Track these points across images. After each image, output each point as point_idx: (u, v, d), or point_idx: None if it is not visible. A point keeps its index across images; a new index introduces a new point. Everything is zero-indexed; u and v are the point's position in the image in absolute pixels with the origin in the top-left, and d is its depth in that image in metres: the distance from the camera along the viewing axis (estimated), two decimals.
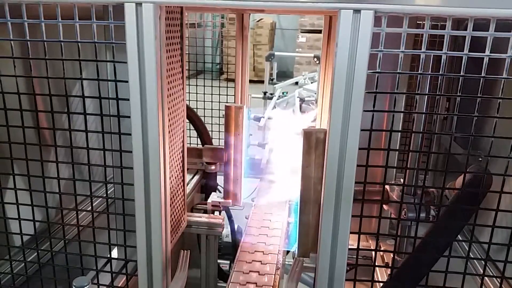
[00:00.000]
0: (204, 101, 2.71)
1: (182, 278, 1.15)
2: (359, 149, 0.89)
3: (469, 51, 0.83)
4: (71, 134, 1.09)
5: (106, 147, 1.07)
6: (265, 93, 5.56)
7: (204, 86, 2.70)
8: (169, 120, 1.11)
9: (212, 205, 1.72)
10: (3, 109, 1.04)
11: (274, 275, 1.30)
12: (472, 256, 1.37)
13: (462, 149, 1.76)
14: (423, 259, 1.04)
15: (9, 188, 1.14)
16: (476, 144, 1.49)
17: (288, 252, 1.64)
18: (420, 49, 0.85)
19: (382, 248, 1.53)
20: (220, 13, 2.74)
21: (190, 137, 2.25)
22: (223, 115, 1.63)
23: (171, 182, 1.16)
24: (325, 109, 2.08)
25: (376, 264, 1.10)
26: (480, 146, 1.49)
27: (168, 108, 1.09)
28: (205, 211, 1.76)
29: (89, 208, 1.13)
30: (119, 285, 1.24)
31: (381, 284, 1.18)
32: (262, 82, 6.16)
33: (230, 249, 1.94)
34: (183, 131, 1.30)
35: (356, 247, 1.01)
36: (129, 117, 0.97)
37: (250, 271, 1.31)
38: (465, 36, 0.83)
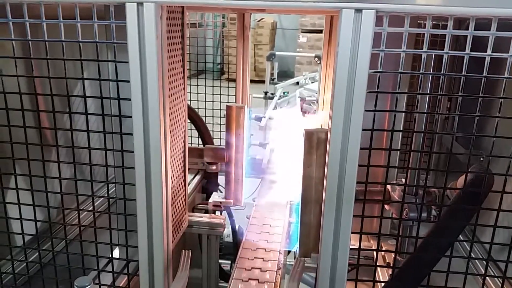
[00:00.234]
0: (205, 101, 2.72)
1: (184, 278, 1.15)
2: (361, 149, 0.89)
3: (470, 51, 0.83)
4: (73, 134, 1.10)
5: (107, 147, 1.07)
6: (266, 93, 5.57)
7: (205, 86, 2.70)
8: (170, 120, 1.11)
9: (213, 205, 1.72)
10: (5, 109, 1.04)
11: (276, 274, 1.30)
12: (473, 256, 1.37)
13: (464, 149, 1.76)
14: (425, 259, 1.04)
15: (10, 188, 1.14)
16: (477, 144, 1.49)
17: (289, 252, 1.64)
18: (422, 49, 0.85)
19: (383, 248, 1.53)
20: (221, 12, 2.74)
21: (191, 137, 2.25)
22: (224, 115, 1.63)
23: (172, 182, 1.16)
24: (326, 109, 2.08)
25: (378, 264, 1.10)
26: (482, 146, 1.48)
27: (170, 108, 1.09)
28: (206, 211, 1.76)
29: (91, 208, 1.13)
30: (121, 285, 1.24)
31: (383, 284, 1.18)
32: (263, 82, 6.17)
33: (231, 249, 1.95)
34: (184, 131, 1.30)
35: (357, 247, 1.01)
36: (130, 117, 0.97)
37: (252, 267, 1.31)
38: (466, 36, 0.83)
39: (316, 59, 4.90)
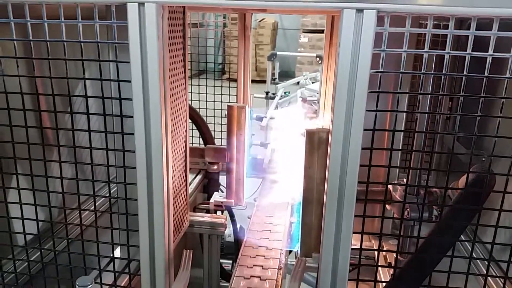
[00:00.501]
0: (206, 101, 2.72)
1: (185, 278, 1.16)
2: (362, 149, 0.89)
3: (472, 51, 0.83)
4: (74, 134, 1.10)
5: (109, 146, 1.07)
6: (267, 93, 5.56)
7: (206, 86, 2.70)
8: (171, 120, 1.11)
9: (215, 205, 1.73)
10: (7, 109, 1.04)
11: (277, 274, 1.30)
12: (475, 256, 1.37)
13: (465, 149, 1.76)
14: (426, 259, 1.04)
15: (12, 187, 1.14)
16: (479, 144, 1.49)
17: (290, 252, 1.64)
18: (423, 49, 0.85)
19: (385, 248, 1.53)
20: (222, 13, 2.74)
21: (192, 137, 2.25)
22: (225, 115, 1.63)
23: (173, 182, 1.16)
24: (328, 109, 2.08)
25: (379, 264, 1.10)
26: (483, 146, 1.48)
27: (171, 108, 1.09)
28: (208, 211, 1.76)
29: (92, 208, 1.14)
30: (122, 285, 1.24)
31: (384, 284, 1.18)
32: (264, 82, 6.16)
33: (233, 249, 1.95)
34: (186, 131, 1.30)
35: (359, 247, 1.01)
36: (132, 116, 0.97)
37: (254, 265, 1.31)
38: (468, 36, 0.82)
39: (318, 59, 4.90)
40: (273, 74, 6.44)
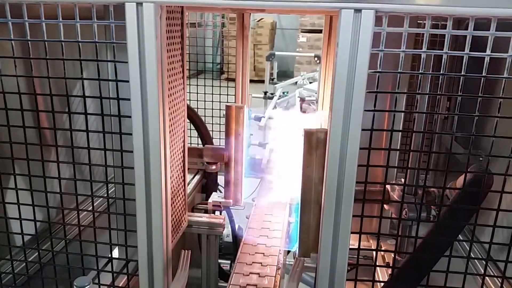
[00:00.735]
0: (204, 101, 2.71)
1: (183, 278, 1.15)
2: (360, 148, 0.89)
3: (470, 51, 0.83)
4: (72, 134, 1.09)
5: (107, 147, 1.07)
6: (265, 92, 5.57)
7: (204, 85, 2.70)
8: (169, 120, 1.11)
9: (213, 205, 1.72)
10: (4, 109, 1.04)
11: (275, 275, 1.30)
12: (473, 256, 1.37)
13: (463, 149, 1.76)
14: (424, 259, 1.04)
15: (10, 188, 1.14)
16: (477, 144, 1.49)
17: (289, 252, 1.64)
18: (421, 49, 0.85)
19: (383, 248, 1.53)
20: (220, 12, 2.74)
21: (190, 137, 2.25)
22: (223, 115, 1.63)
23: (172, 182, 1.16)
24: (326, 109, 2.08)
25: (377, 264, 1.10)
26: (481, 146, 1.49)
27: (169, 108, 1.09)
28: (206, 211, 1.76)
29: (90, 208, 1.13)
30: (120, 285, 1.24)
31: (382, 284, 1.18)
32: (262, 81, 6.17)
33: (231, 249, 1.94)
34: (184, 130, 1.30)
35: (357, 247, 1.01)
36: (130, 117, 0.97)
37: (250, 273, 1.31)
38: (466, 36, 0.83)
39: (316, 59, 4.90)
40: (271, 74, 6.46)
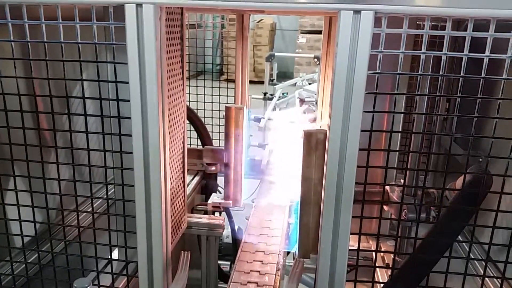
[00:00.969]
0: (204, 102, 2.72)
1: (183, 279, 1.15)
2: (359, 150, 0.89)
3: (469, 52, 0.83)
4: (72, 135, 1.09)
5: (106, 148, 1.07)
6: (265, 93, 5.56)
7: (204, 87, 2.70)
8: (169, 121, 1.11)
9: (213, 206, 1.72)
10: (4, 110, 1.04)
11: (275, 275, 1.30)
12: (472, 257, 1.37)
13: (462, 150, 1.76)
14: (424, 260, 1.04)
15: (9, 189, 1.14)
16: (476, 145, 1.49)
17: (288, 253, 1.64)
18: (420, 50, 0.85)
19: (382, 249, 1.53)
20: (220, 13, 2.74)
21: (190, 138, 2.25)
22: (223, 116, 1.63)
23: (171, 183, 1.16)
24: (325, 110, 2.08)
25: (377, 265, 1.10)
26: (480, 147, 1.49)
27: (169, 109, 1.09)
28: (206, 212, 1.76)
29: (90, 209, 1.13)
30: (120, 286, 1.24)
31: (382, 285, 1.18)
32: (262, 82, 6.17)
33: (231, 250, 1.94)
34: (183, 132, 1.30)
35: (356, 248, 1.01)
36: (129, 118, 0.97)
37: (250, 270, 1.32)
38: (465, 37, 0.83)
39: (315, 60, 4.90)
40: (271, 75, 6.45)
